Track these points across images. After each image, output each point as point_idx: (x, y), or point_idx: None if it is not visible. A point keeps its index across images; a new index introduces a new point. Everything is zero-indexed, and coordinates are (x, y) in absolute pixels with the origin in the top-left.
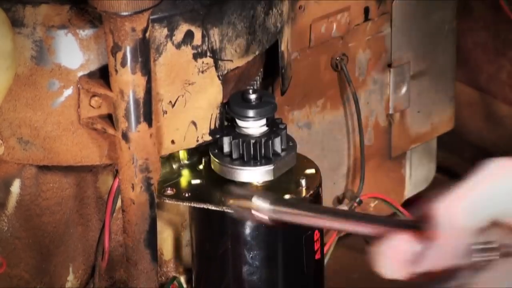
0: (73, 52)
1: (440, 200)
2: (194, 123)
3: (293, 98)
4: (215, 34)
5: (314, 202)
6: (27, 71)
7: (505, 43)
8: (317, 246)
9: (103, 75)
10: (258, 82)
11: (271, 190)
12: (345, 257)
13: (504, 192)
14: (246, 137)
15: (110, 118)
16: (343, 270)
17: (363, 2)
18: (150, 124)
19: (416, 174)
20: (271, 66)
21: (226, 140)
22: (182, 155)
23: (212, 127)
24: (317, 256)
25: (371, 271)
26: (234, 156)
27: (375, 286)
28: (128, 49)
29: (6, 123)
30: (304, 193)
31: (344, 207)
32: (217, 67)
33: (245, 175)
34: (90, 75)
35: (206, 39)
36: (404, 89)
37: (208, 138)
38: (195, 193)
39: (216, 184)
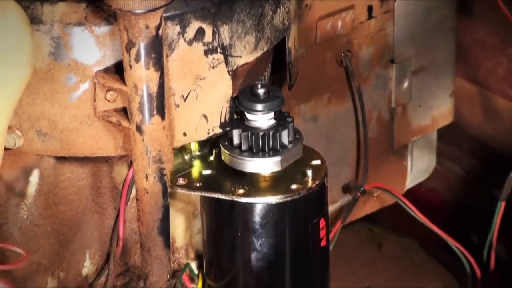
0: (89, 48)
1: None
2: (205, 116)
3: (300, 92)
4: (225, 31)
5: (319, 192)
6: (45, 66)
7: (503, 40)
8: (322, 233)
9: (118, 70)
10: (266, 77)
11: (279, 181)
12: (349, 245)
13: None
14: (255, 130)
15: (124, 111)
16: (347, 257)
17: (367, 1)
18: (163, 117)
19: (417, 165)
20: (279, 62)
21: (235, 133)
22: (194, 146)
23: (223, 120)
24: (323, 243)
25: (374, 258)
26: (244, 147)
27: (376, 272)
28: (142, 45)
29: (25, 116)
30: (310, 183)
31: (348, 196)
32: (227, 63)
33: (254, 166)
34: (106, 70)
35: (217, 36)
36: (406, 84)
37: (218, 130)
38: (206, 183)
39: (226, 175)
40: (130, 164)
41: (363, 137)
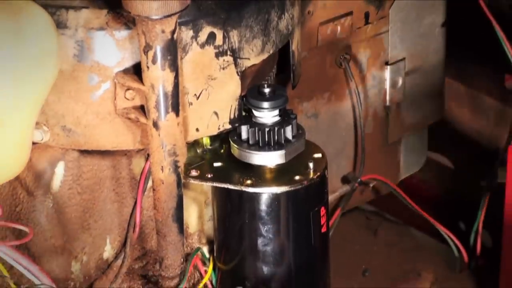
0: (110, 51)
1: None
2: (216, 113)
3: (303, 91)
4: (234, 35)
5: (320, 182)
6: (69, 67)
7: (489, 43)
8: (323, 220)
9: (136, 71)
10: (272, 78)
11: (283, 172)
12: (347, 231)
13: None
14: (261, 126)
15: (142, 109)
16: (345, 242)
17: (364, 8)
18: (177, 114)
19: (410, 158)
20: (283, 63)
21: (244, 128)
22: (206, 141)
23: (232, 116)
24: (323, 230)
25: (370, 243)
26: (251, 142)
27: (372, 256)
28: (158, 48)
29: (52, 113)
30: (311, 175)
31: (346, 187)
32: (236, 64)
33: (260, 159)
34: (125, 71)
35: (227, 40)
36: (399, 84)
37: (228, 126)
38: (217, 174)
39: (235, 167)
40: (147, 157)
41: (360, 133)
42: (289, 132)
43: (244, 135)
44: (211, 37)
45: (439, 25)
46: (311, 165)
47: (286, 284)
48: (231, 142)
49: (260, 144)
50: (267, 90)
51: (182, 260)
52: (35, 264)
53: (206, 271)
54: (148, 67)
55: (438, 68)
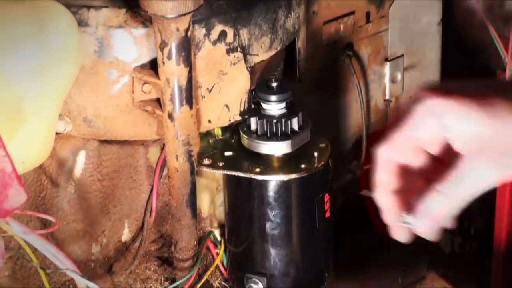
0: (128, 47)
1: None
2: (227, 106)
3: (308, 85)
4: (244, 33)
5: (324, 170)
6: (90, 63)
7: (481, 42)
8: (327, 206)
9: (153, 66)
10: (279, 72)
11: (290, 161)
12: (349, 216)
13: None
14: (269, 117)
15: (158, 102)
16: (347, 226)
17: (366, 8)
18: (191, 107)
19: None
20: (290, 59)
21: (253, 120)
22: (217, 131)
23: (242, 109)
24: (327, 215)
25: (370, 227)
26: (260, 132)
27: (372, 238)
28: (173, 45)
29: (74, 105)
30: (316, 163)
31: (350, 175)
32: (246, 60)
33: (268, 148)
34: (142, 66)
35: (237, 37)
36: (398, 79)
37: (238, 118)
38: (228, 163)
39: (245, 156)
40: (163, 147)
41: (362, 124)
42: (295, 123)
43: (253, 126)
44: (223, 34)
45: (435, 24)
46: (316, 154)
47: (292, 265)
48: (241, 132)
49: (268, 135)
50: (274, 84)
51: (195, 242)
52: (60, 251)
53: (217, 253)
54: (163, 63)
55: (435, 64)
